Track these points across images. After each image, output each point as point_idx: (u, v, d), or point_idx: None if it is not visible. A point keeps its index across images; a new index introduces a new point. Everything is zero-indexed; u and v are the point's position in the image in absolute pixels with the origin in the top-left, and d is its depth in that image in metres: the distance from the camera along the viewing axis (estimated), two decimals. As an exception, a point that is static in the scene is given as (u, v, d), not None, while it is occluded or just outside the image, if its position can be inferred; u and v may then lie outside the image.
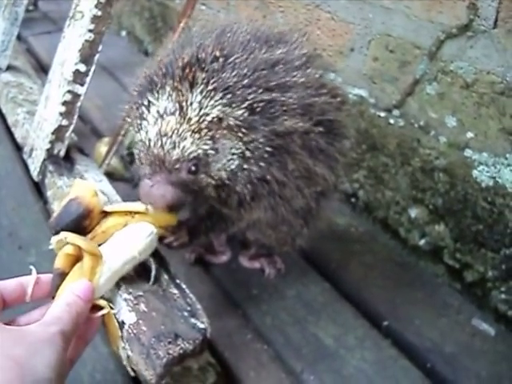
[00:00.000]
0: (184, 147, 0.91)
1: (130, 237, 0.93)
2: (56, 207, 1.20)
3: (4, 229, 1.47)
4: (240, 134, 0.93)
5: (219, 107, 0.92)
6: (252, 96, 0.93)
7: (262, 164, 0.96)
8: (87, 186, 0.98)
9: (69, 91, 1.28)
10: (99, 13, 1.24)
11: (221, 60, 0.95)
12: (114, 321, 0.88)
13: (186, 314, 0.90)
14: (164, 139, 0.92)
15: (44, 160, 1.33)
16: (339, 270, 1.39)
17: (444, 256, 1.40)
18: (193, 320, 0.89)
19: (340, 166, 1.17)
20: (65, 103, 1.29)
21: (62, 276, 0.86)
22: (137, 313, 0.87)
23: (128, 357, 0.87)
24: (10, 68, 1.94)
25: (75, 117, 1.31)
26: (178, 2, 2.52)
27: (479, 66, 1.25)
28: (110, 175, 1.51)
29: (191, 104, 0.92)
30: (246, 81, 0.93)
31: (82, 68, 1.27)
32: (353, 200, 1.65)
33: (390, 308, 1.28)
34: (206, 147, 0.92)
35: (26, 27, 2.82)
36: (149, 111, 0.95)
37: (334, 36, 1.61)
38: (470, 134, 1.30)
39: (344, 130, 1.15)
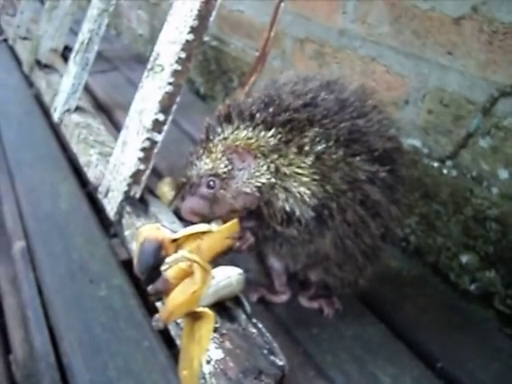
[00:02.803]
0: (200, 166, 1.10)
1: (227, 270, 1.07)
2: (134, 247, 1.29)
3: (75, 262, 1.56)
4: (262, 153, 1.08)
5: (233, 131, 1.09)
6: (273, 118, 1.08)
7: (302, 180, 1.08)
8: (148, 226, 1.09)
9: (148, 138, 1.39)
10: (179, 67, 1.35)
11: (254, 96, 1.15)
12: (209, 330, 0.98)
13: (265, 351, 0.97)
14: (190, 162, 1.12)
15: (121, 201, 1.43)
16: (393, 312, 1.44)
17: (494, 301, 1.45)
18: (272, 357, 0.96)
19: (403, 201, 1.26)
20: (143, 149, 1.39)
21: (166, 284, 0.97)
22: (223, 350, 0.96)
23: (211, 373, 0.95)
24: (77, 109, 2.07)
25: (152, 162, 1.41)
26: (233, 48, 2.65)
27: (532, 122, 1.32)
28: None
29: (214, 132, 1.11)
30: (269, 107, 1.09)
31: (161, 117, 1.38)
32: (403, 244, 1.71)
33: (443, 350, 1.32)
34: (217, 166, 1.09)
35: (82, 66, 2.96)
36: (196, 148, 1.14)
37: (389, 88, 1.70)
38: (521, 187, 1.36)
39: (402, 170, 1.23)
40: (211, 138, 1.11)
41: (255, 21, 2.43)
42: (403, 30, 1.63)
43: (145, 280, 1.02)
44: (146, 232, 1.05)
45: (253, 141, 1.08)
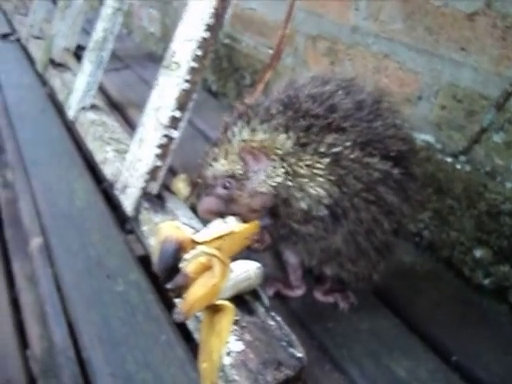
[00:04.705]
0: (216, 167, 1.11)
1: (245, 264, 1.09)
2: (153, 242, 1.31)
3: (92, 258, 1.58)
4: (279, 156, 1.10)
5: (250, 133, 1.10)
6: (293, 122, 1.10)
7: (319, 181, 1.09)
8: (169, 224, 1.10)
9: (165, 135, 1.41)
10: (196, 65, 1.36)
11: (272, 98, 1.17)
12: (229, 323, 1.00)
13: (284, 343, 1.00)
14: (206, 163, 1.13)
15: (139, 197, 1.45)
16: (407, 306, 1.45)
17: (508, 296, 1.46)
18: (291, 349, 0.99)
19: (415, 198, 1.27)
20: (160, 146, 1.41)
21: (186, 278, 0.99)
22: (243, 342, 0.98)
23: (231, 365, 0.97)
24: (92, 107, 2.09)
25: (169, 158, 1.43)
26: (245, 45, 2.66)
27: (546, 117, 1.33)
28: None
29: (230, 134, 1.12)
30: (288, 111, 1.11)
31: (178, 114, 1.40)
32: (417, 239, 1.73)
33: (458, 344, 1.33)
34: (234, 168, 1.10)
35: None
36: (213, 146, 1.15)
37: (402, 85, 1.71)
38: (535, 181, 1.37)
39: (414, 169, 1.25)
40: (229, 138, 1.12)
41: (267, 18, 2.45)
42: (416, 26, 1.64)
43: (164, 279, 1.04)
44: (165, 230, 1.06)
45: (269, 143, 1.09)
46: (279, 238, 1.21)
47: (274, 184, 1.10)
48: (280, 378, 0.92)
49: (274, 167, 1.10)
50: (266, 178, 1.10)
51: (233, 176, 1.11)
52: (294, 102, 1.13)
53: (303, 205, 1.11)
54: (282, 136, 1.09)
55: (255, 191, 1.11)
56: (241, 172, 1.10)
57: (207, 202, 1.13)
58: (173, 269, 1.02)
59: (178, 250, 1.03)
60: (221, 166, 1.11)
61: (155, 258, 1.05)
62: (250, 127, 1.11)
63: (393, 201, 1.17)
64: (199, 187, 1.18)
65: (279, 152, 1.09)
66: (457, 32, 1.52)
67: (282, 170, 1.09)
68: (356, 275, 1.32)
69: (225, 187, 1.11)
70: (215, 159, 1.12)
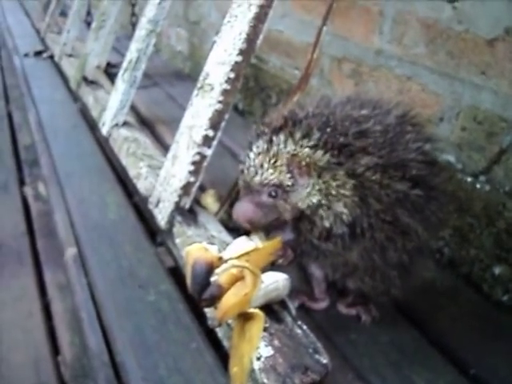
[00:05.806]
0: (265, 175, 1.15)
1: (274, 275, 1.15)
2: (184, 253, 1.37)
3: (124, 269, 1.65)
4: (317, 173, 1.14)
5: (296, 147, 1.14)
6: (330, 139, 1.14)
7: (345, 201, 1.14)
8: (195, 247, 1.16)
9: (198, 153, 1.48)
10: (228, 87, 1.44)
11: (309, 112, 1.20)
12: (259, 330, 1.07)
13: (310, 350, 1.05)
14: (252, 169, 1.17)
15: (172, 211, 1.53)
16: (428, 320, 1.50)
17: (527, 312, 1.50)
18: (317, 356, 1.04)
19: (434, 222, 1.31)
20: (193, 163, 1.48)
21: (220, 289, 1.05)
22: (272, 347, 1.04)
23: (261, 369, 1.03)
24: (125, 123, 2.18)
25: (201, 175, 1.51)
26: (271, 66, 2.74)
27: None
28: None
29: (276, 144, 1.15)
30: (326, 128, 1.15)
31: (211, 133, 1.47)
32: (437, 256, 1.77)
33: (476, 357, 1.37)
34: (283, 178, 1.14)
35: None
36: (251, 151, 1.19)
37: (425, 106, 1.77)
38: (553, 201, 1.42)
39: (437, 191, 1.29)
40: (274, 148, 1.16)
41: (294, 40, 2.53)
42: (438, 50, 1.71)
43: (199, 298, 1.10)
44: (194, 253, 1.13)
45: (311, 159, 1.14)
46: (301, 253, 1.26)
47: (310, 202, 1.16)
48: (307, 382, 0.98)
49: (314, 184, 1.15)
50: (306, 194, 1.16)
51: (280, 186, 1.15)
52: (330, 120, 1.17)
53: (326, 223, 1.17)
54: (320, 152, 1.14)
55: (296, 205, 1.17)
56: (289, 183, 1.15)
57: (248, 208, 1.17)
58: (206, 287, 1.08)
59: (209, 271, 1.10)
60: (269, 175, 1.15)
61: (188, 280, 1.11)
62: (294, 140, 1.15)
63: (408, 222, 1.22)
64: (238, 191, 1.24)
65: (319, 169, 1.14)
66: (477, 57, 1.58)
67: (318, 187, 1.15)
68: (374, 289, 1.37)
69: (271, 195, 1.16)
70: (262, 166, 1.16)
